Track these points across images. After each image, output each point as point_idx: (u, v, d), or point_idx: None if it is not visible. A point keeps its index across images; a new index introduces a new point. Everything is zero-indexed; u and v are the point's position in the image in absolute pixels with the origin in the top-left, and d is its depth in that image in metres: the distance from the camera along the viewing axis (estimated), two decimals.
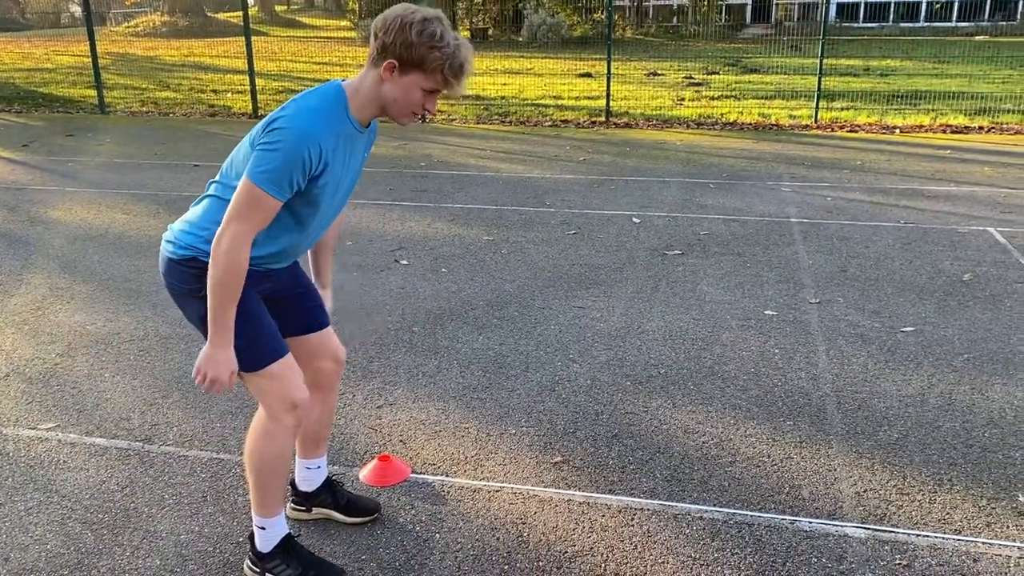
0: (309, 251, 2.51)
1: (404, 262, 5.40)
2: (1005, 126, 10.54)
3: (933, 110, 11.64)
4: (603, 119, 11.56)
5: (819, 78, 11.28)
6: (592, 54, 18.67)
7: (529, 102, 13.18)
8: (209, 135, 10.84)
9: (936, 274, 5.04)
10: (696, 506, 2.75)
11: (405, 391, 3.59)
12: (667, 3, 30.63)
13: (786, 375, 3.71)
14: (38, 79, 16.80)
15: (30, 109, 13.30)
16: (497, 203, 6.97)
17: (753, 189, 7.40)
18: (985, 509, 2.72)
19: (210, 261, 2.02)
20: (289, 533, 2.39)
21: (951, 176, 7.83)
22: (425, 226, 6.26)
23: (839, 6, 27.86)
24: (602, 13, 24.47)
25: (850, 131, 10.61)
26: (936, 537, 2.58)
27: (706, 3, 28.74)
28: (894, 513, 2.70)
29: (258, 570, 2.37)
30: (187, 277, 2.18)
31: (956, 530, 2.61)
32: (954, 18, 26.99)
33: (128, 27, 30.70)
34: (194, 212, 2.23)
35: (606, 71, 11.79)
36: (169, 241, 2.22)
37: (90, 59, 12.97)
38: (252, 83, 12.43)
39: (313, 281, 2.54)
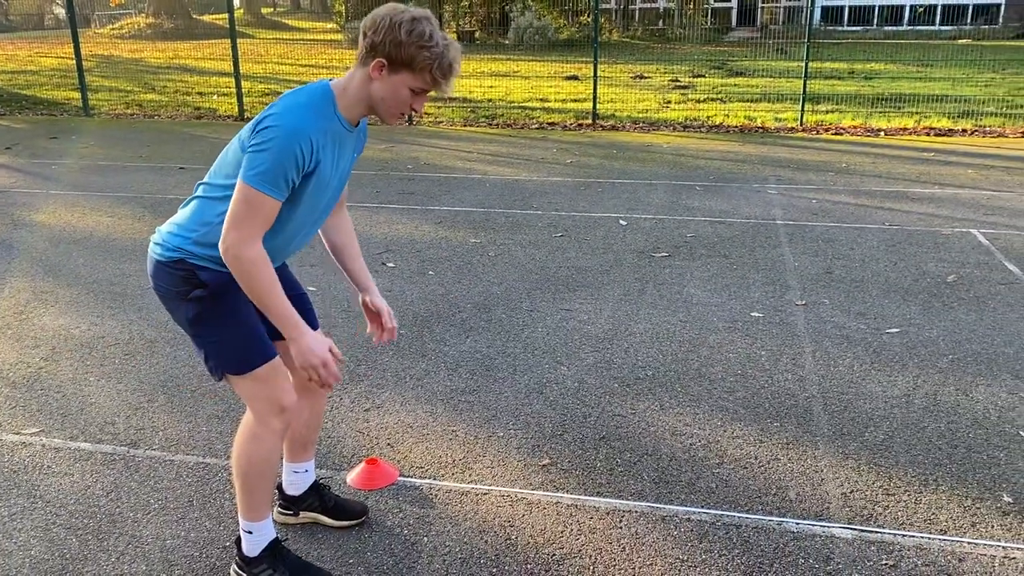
0: (341, 263, 2.50)
1: (391, 265, 5.39)
2: (988, 128, 10.63)
3: (917, 113, 11.73)
4: (590, 122, 11.58)
5: (804, 81, 11.35)
6: (578, 57, 18.71)
7: (516, 105, 13.19)
8: (195, 138, 10.79)
9: (920, 276, 5.08)
10: (684, 508, 2.76)
11: (392, 394, 3.58)
12: (653, 6, 30.74)
13: (773, 377, 3.73)
14: (21, 81, 16.67)
15: (13, 112, 13.20)
16: (484, 205, 6.97)
17: (739, 191, 7.44)
18: (970, 509, 2.74)
19: (231, 272, 2.02)
20: (276, 538, 2.38)
21: (935, 178, 7.89)
22: (412, 228, 6.25)
23: (824, 9, 28.03)
24: (588, 16, 24.54)
25: (835, 134, 10.67)
26: (922, 537, 2.60)
27: (692, 6, 28.86)
28: (880, 514, 2.71)
29: (245, 575, 2.36)
30: (175, 279, 2.17)
31: (942, 530, 2.63)
32: (937, 22, 27.22)
33: (113, 29, 30.52)
34: (182, 214, 2.22)
35: (592, 74, 11.82)
36: (157, 243, 2.21)
37: (74, 61, 12.88)
38: (238, 86, 12.38)
39: (356, 287, 2.51)
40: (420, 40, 1.99)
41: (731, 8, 30.70)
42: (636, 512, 2.74)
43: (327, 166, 2.11)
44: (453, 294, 4.83)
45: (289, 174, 2.00)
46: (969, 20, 26.77)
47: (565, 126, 11.50)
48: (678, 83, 15.70)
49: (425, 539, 2.60)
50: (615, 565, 2.48)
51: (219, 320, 2.18)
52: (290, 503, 2.65)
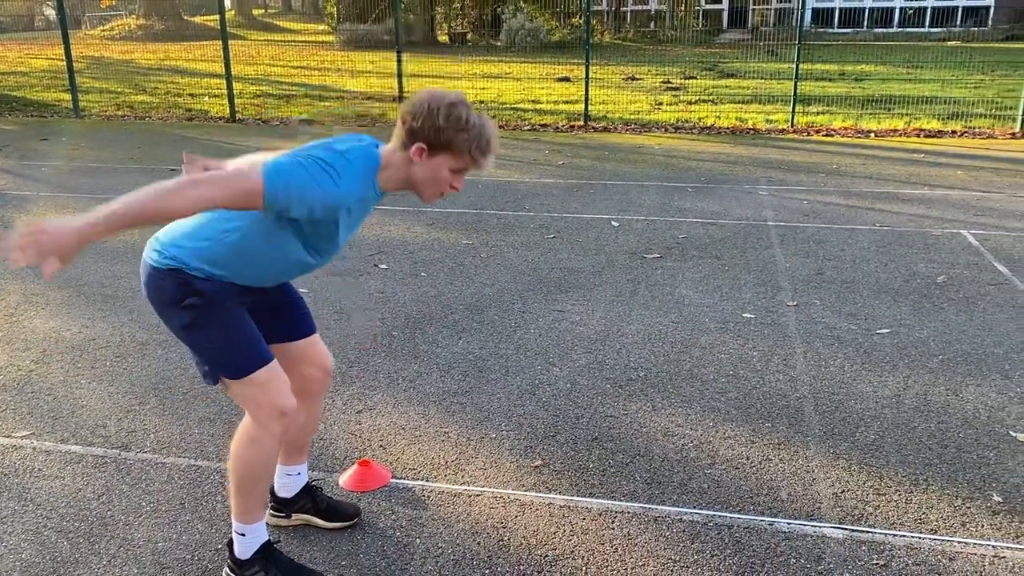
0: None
1: (383, 266, 5.39)
2: (977, 130, 10.69)
3: (907, 114, 11.79)
4: (582, 123, 11.60)
5: (795, 83, 11.39)
6: (570, 58, 18.73)
7: (508, 106, 13.20)
8: (186, 139, 10.76)
9: (911, 276, 5.10)
10: (676, 508, 2.76)
11: (385, 396, 3.58)
12: (645, 8, 30.80)
13: (764, 377, 3.74)
14: (11, 83, 16.59)
15: (3, 113, 13.14)
16: (476, 207, 6.97)
17: (731, 193, 7.46)
18: (960, 509, 2.75)
19: (157, 188, 1.91)
20: (269, 540, 2.38)
21: (925, 179, 7.93)
22: (404, 230, 6.25)
23: (814, 12, 28.14)
24: (580, 18, 24.56)
25: (826, 135, 10.71)
26: (913, 537, 2.61)
27: (683, 8, 28.94)
28: (871, 513, 2.72)
29: None
30: (170, 287, 2.17)
31: (932, 530, 2.64)
32: (927, 23, 27.35)
33: (103, 31, 30.41)
34: (184, 224, 2.21)
35: (584, 75, 11.83)
36: (155, 250, 2.21)
37: (64, 63, 12.83)
38: (229, 87, 12.36)
39: None
40: (457, 124, 2.07)
41: (722, 10, 30.78)
42: (628, 513, 2.74)
43: (343, 227, 2.17)
44: (445, 296, 4.83)
45: (294, 206, 2.00)
46: (959, 22, 26.92)
47: (557, 128, 11.51)
48: (670, 85, 15.73)
49: (418, 541, 2.60)
50: (608, 566, 2.48)
51: (213, 326, 2.18)
52: (282, 505, 2.65)
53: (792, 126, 11.11)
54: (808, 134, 10.78)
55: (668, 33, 27.20)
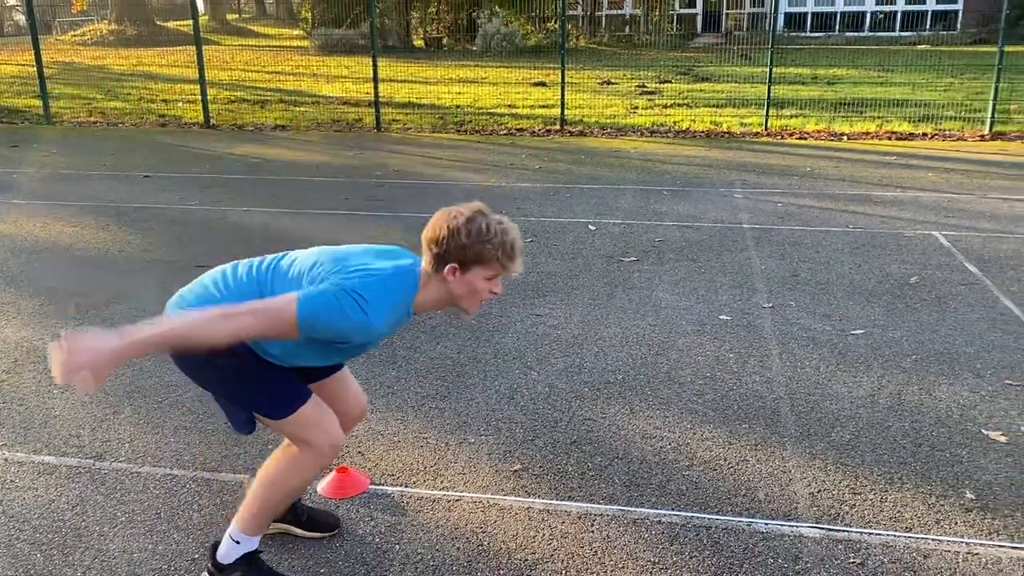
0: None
1: None
2: (947, 132, 10.84)
3: (879, 117, 11.93)
4: (558, 127, 11.63)
5: (768, 86, 11.50)
6: (546, 63, 18.77)
7: (484, 111, 13.21)
8: (159, 145, 10.67)
9: (884, 277, 5.16)
10: (655, 510, 2.78)
11: None
12: (619, 13, 30.95)
13: (741, 379, 3.77)
14: None
15: None
16: None
17: (706, 196, 7.51)
18: (934, 507, 2.79)
19: (198, 319, 2.04)
20: (257, 548, 2.38)
21: (897, 181, 8.03)
22: (381, 235, 6.23)
23: (787, 16, 28.42)
24: (556, 23, 24.64)
25: (799, 138, 10.82)
26: (888, 535, 2.64)
27: (658, 13, 29.11)
28: (847, 512, 2.75)
29: None
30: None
31: (907, 528, 2.67)
32: (897, 28, 27.72)
33: (75, 36, 30.06)
34: (207, 280, 2.26)
35: (560, 80, 11.87)
36: (182, 308, 2.22)
37: (35, 68, 12.67)
38: (203, 93, 12.27)
39: None
40: (480, 237, 2.11)
41: (696, 14, 31.01)
42: (607, 516, 2.75)
43: (371, 343, 2.25)
44: None
45: (326, 333, 2.08)
46: (928, 26, 27.30)
47: (534, 132, 11.54)
48: (645, 89, 15.82)
49: (397, 547, 2.59)
50: (587, 569, 2.49)
51: (249, 374, 2.23)
52: None
53: (766, 129, 11.21)
54: (782, 137, 10.89)
55: (643, 38, 27.35)
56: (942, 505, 2.79)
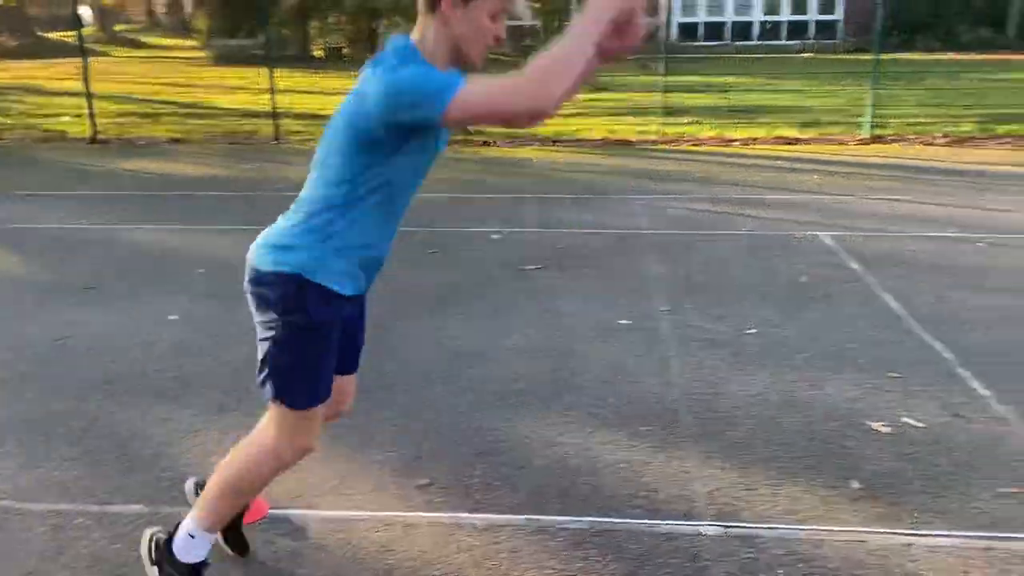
0: None
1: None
2: (831, 137, 11.37)
3: (768, 123, 12.41)
4: (461, 137, 11.64)
5: (663, 95, 11.81)
6: None
7: None
8: (42, 162, 10.17)
9: (775, 278, 5.37)
10: (560, 518, 2.80)
11: None
12: (519, 24, 31.26)
13: (641, 382, 3.85)
14: None
15: None
16: None
17: (606, 203, 7.66)
18: (825, 498, 2.91)
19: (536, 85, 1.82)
20: (206, 560, 2.32)
21: (785, 185, 8.37)
22: None
23: (681, 26, 29.26)
24: None
25: (694, 145, 11.15)
26: (783, 528, 2.74)
27: (556, 24, 29.50)
28: (744, 509, 2.84)
29: (155, 562, 2.32)
30: (281, 294, 2.12)
31: (800, 520, 2.78)
32: (783, 37, 28.91)
33: None
34: (304, 211, 2.11)
35: None
36: (277, 247, 2.14)
37: None
38: (90, 106, 11.76)
39: None
40: None
41: None
42: (513, 526, 2.76)
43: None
44: None
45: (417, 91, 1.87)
46: (812, 35, 28.58)
47: None
48: None
49: (300, 572, 2.54)
50: None
51: (303, 351, 2.14)
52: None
53: (662, 137, 11.50)
54: (677, 144, 11.20)
55: (543, 48, 27.68)
56: (831, 496, 2.92)
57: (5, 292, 5.22)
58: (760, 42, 28.70)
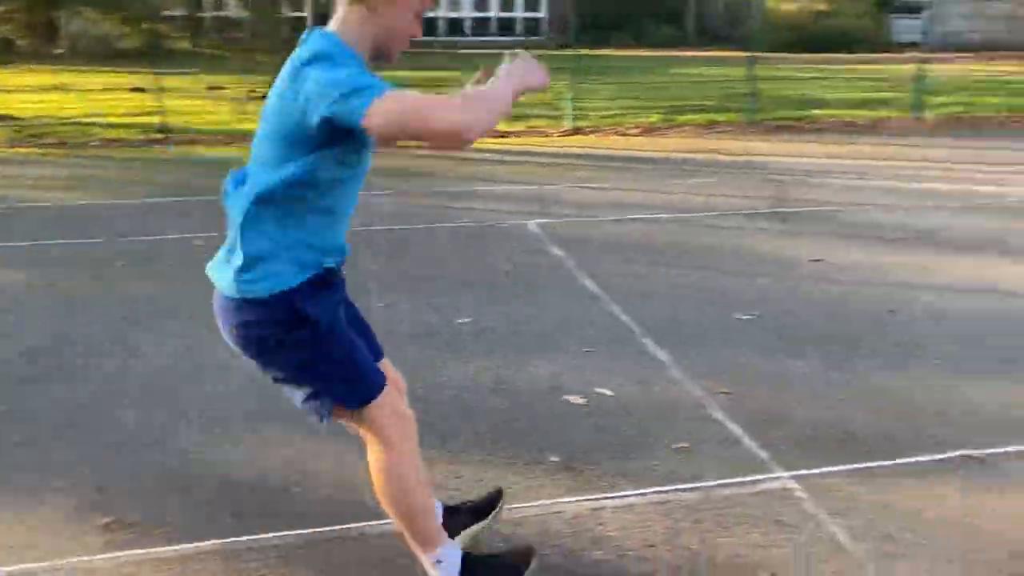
0: None
1: None
2: (538, 129, 12.01)
3: None
4: (161, 136, 10.83)
5: None
6: (144, 67, 17.38)
7: (71, 121, 11.86)
8: None
9: (485, 267, 5.55)
10: (267, 535, 2.67)
11: None
12: (223, 14, 29.71)
13: None
14: None
15: None
16: (36, 238, 6.16)
17: None
18: (526, 474, 3.03)
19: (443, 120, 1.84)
20: (466, 553, 2.28)
21: (496, 176, 8.70)
22: None
23: None
24: (152, 23, 22.98)
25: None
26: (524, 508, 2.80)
27: (271, 12, 28.38)
28: (448, 498, 2.87)
29: None
30: (273, 321, 2.02)
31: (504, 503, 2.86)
32: (494, 33, 30.09)
33: None
34: (256, 227, 2.05)
35: (160, 85, 11.05)
36: (244, 277, 2.06)
37: None
38: None
39: None
40: None
41: (305, 17, 30.85)
42: (214, 551, 2.59)
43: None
44: None
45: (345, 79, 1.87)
46: (519, 32, 30.05)
47: (132, 143, 10.62)
48: (255, 94, 15.33)
49: None
50: None
51: (331, 356, 2.05)
52: None
53: None
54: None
55: (254, 42, 26.54)
56: (532, 472, 3.05)
57: None
58: (472, 37, 29.65)
